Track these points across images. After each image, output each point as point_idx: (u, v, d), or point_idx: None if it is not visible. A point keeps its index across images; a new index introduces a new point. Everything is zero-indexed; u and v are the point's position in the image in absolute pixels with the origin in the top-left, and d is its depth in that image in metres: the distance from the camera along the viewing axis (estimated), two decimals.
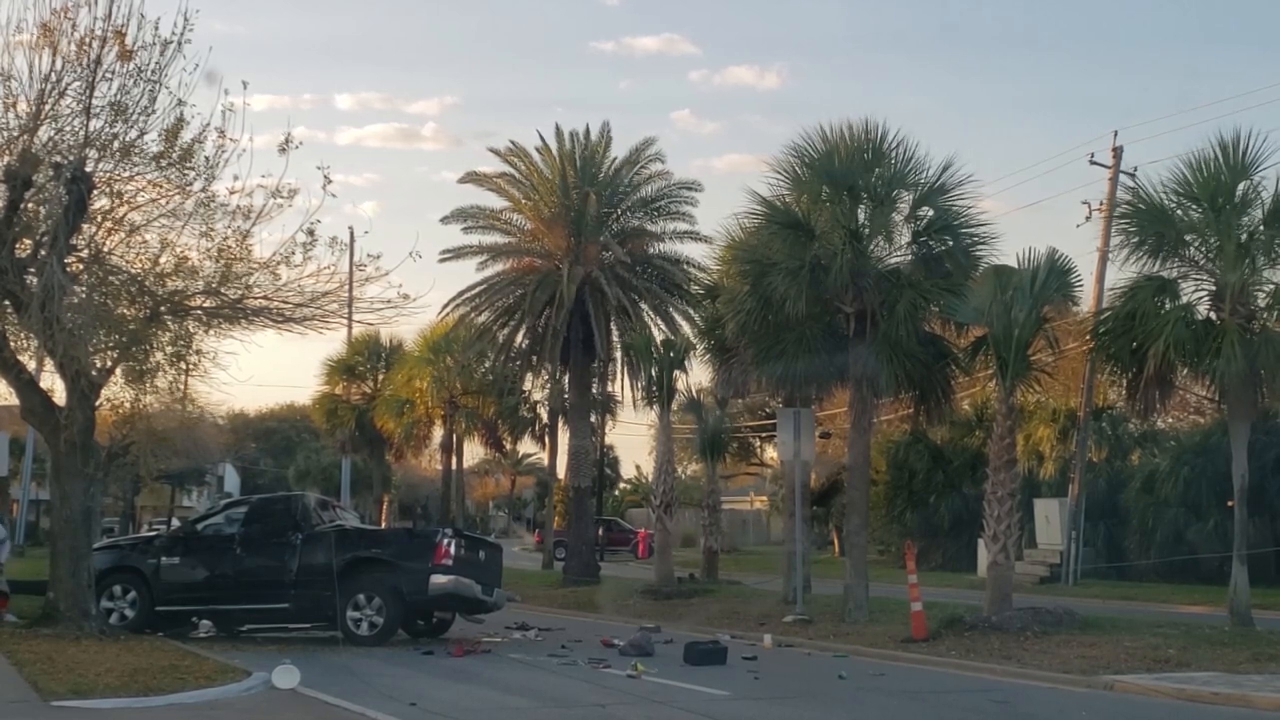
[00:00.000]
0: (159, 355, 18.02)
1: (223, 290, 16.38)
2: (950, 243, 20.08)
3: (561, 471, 39.21)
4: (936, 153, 24.96)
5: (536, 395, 40.28)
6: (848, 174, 20.02)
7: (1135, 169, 30.23)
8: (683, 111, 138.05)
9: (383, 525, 40.60)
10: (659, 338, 29.36)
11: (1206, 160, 17.55)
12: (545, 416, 41.49)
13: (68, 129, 15.14)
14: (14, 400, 18.30)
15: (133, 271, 16.35)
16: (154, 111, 15.15)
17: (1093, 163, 31.17)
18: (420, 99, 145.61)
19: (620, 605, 25.44)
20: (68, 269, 15.03)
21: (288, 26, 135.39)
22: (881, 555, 38.54)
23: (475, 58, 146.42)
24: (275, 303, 16.81)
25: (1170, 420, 35.87)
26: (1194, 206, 17.89)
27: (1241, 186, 17.64)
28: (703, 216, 61.80)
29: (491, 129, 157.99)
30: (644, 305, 32.67)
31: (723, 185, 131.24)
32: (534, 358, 34.39)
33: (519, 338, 33.77)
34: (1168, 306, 17.77)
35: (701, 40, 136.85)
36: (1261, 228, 17.67)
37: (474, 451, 47.40)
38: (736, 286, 21.77)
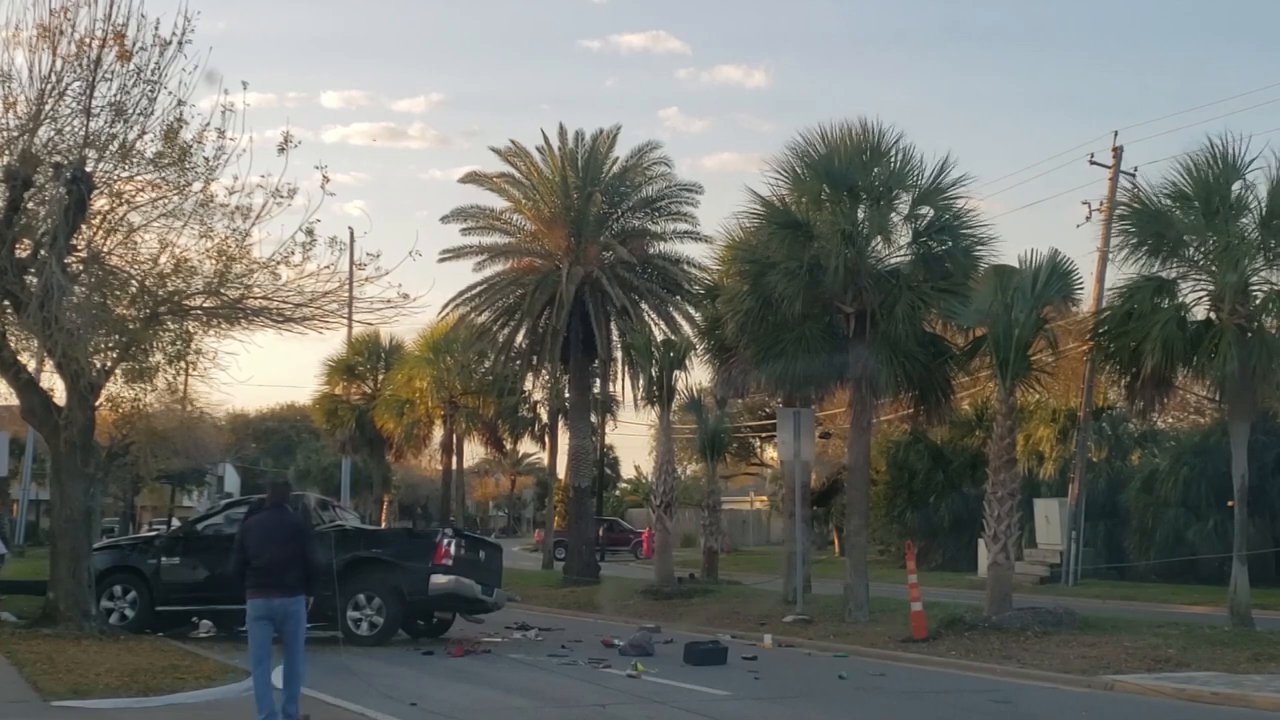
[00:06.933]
0: (159, 355, 18.03)
1: (222, 290, 16.38)
2: (950, 243, 20.06)
3: (561, 471, 39.17)
4: (936, 152, 24.92)
5: (536, 395, 40.29)
6: (847, 174, 20.01)
7: (1135, 169, 30.42)
8: (670, 109, 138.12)
9: (383, 525, 40.59)
10: (659, 338, 29.34)
11: (1199, 162, 17.56)
12: (545, 416, 41.48)
13: (67, 129, 15.16)
14: (14, 400, 18.31)
15: (132, 272, 16.35)
16: (153, 112, 15.19)
17: (1093, 163, 31.23)
18: (406, 97, 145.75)
19: (620, 605, 25.41)
20: (67, 269, 15.03)
21: (272, 24, 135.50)
22: (881, 555, 38.52)
23: (461, 56, 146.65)
24: (275, 303, 16.81)
25: (1170, 420, 35.89)
26: (1189, 209, 17.88)
27: (1236, 187, 17.64)
28: (695, 215, 61.61)
29: (478, 127, 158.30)
30: (644, 305, 32.65)
31: (713, 183, 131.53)
32: (534, 358, 34.39)
33: (519, 338, 33.78)
34: (1165, 306, 17.77)
35: (689, 37, 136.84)
36: (1260, 228, 17.65)
37: (474, 451, 47.51)
38: (736, 286, 21.77)
